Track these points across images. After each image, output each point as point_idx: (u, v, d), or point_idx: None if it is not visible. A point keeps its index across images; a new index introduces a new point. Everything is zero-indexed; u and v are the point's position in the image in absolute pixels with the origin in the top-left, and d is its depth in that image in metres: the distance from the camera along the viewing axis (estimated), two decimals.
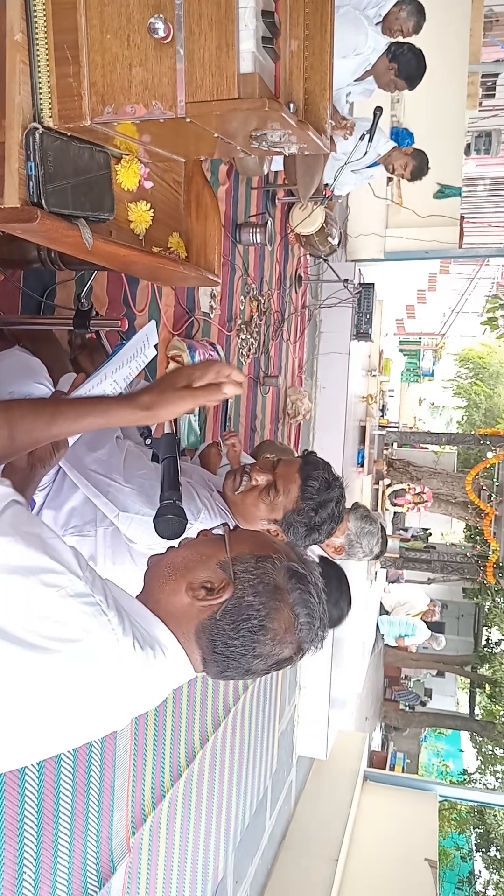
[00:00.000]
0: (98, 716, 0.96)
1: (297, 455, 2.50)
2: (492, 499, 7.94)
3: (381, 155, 4.34)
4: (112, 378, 1.24)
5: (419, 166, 4.37)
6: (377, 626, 10.51)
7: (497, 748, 16.49)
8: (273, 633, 1.02)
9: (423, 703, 18.38)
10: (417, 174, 4.40)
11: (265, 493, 1.75)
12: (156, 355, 1.20)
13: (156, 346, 1.32)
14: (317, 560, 1.14)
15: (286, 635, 1.03)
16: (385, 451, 8.78)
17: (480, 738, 16.97)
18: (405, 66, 3.72)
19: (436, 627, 11.94)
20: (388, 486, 8.84)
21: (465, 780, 17.35)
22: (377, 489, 8.56)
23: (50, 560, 0.88)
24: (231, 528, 1.13)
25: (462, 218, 7.26)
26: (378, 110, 3.61)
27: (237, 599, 1.01)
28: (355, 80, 3.90)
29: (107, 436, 1.80)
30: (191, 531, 1.37)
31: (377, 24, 3.73)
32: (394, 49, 3.73)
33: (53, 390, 1.67)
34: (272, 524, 1.76)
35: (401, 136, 5.02)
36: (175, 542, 1.20)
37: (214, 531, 1.13)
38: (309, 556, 1.12)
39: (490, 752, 17.03)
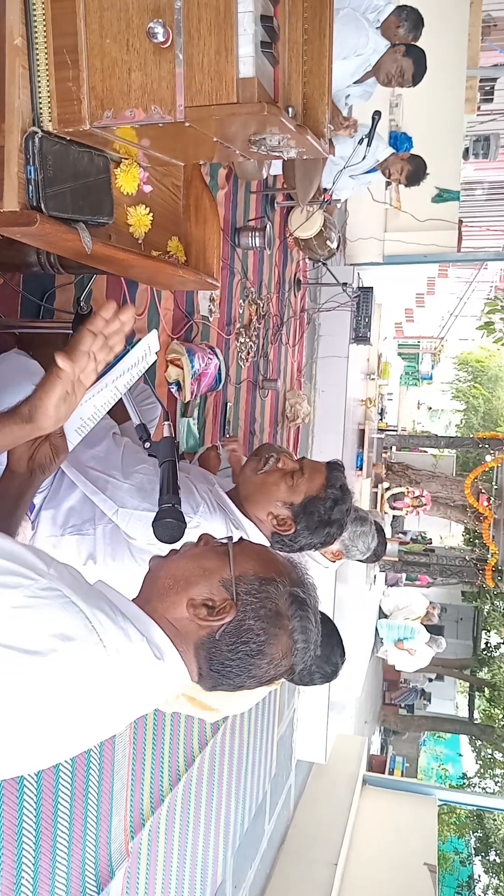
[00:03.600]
0: (93, 716, 0.94)
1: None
2: (490, 502, 7.94)
3: (380, 161, 4.35)
4: (113, 385, 1.25)
5: (414, 171, 4.37)
6: (376, 629, 10.49)
7: (496, 752, 16.46)
8: (271, 657, 1.02)
9: (424, 705, 18.36)
10: (413, 179, 4.41)
11: (289, 476, 1.78)
12: (155, 360, 1.20)
13: (156, 353, 1.33)
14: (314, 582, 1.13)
15: (283, 660, 1.03)
16: (384, 455, 8.78)
17: (479, 742, 16.95)
18: (416, 58, 3.70)
19: (435, 630, 11.91)
20: (387, 489, 8.83)
21: (464, 784, 17.32)
22: (376, 493, 8.56)
23: (8, 562, 0.88)
24: (235, 538, 1.12)
25: (460, 222, 7.27)
26: (377, 114, 3.61)
27: (238, 622, 1.00)
28: (355, 82, 3.90)
29: (103, 432, 1.80)
30: (191, 524, 1.37)
31: (377, 28, 3.73)
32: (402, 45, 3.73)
33: None
34: (286, 508, 1.76)
35: (399, 140, 5.02)
36: (174, 546, 1.19)
37: (218, 542, 1.12)
38: (307, 576, 1.11)
39: (489, 756, 16.99)
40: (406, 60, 3.72)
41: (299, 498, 1.76)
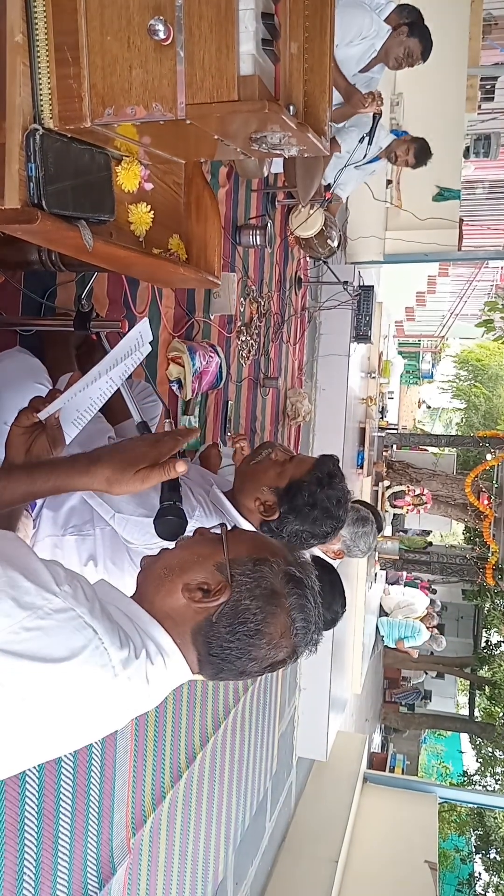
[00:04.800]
0: (89, 724, 0.96)
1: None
2: (491, 500, 7.94)
3: (383, 148, 4.36)
4: (107, 375, 1.25)
5: (421, 148, 4.39)
6: (377, 627, 10.51)
7: (497, 750, 16.47)
8: (269, 637, 1.02)
9: (425, 704, 18.36)
10: (421, 157, 4.42)
11: (279, 465, 1.82)
12: (151, 351, 1.20)
13: (151, 344, 1.32)
14: (311, 561, 1.14)
15: (282, 640, 1.04)
16: (385, 453, 8.78)
17: (480, 740, 16.96)
18: (421, 36, 3.70)
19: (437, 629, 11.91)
20: (388, 487, 8.83)
21: (464, 781, 17.33)
22: (377, 491, 8.56)
23: (24, 580, 0.88)
24: (229, 528, 1.13)
25: (461, 221, 7.27)
26: (377, 113, 3.62)
27: (234, 603, 1.01)
28: (360, 70, 3.89)
29: (99, 436, 1.81)
30: (188, 527, 1.38)
31: None
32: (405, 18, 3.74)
33: (51, 388, 1.68)
34: (272, 493, 1.78)
35: (399, 138, 5.03)
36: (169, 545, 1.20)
37: (212, 531, 1.13)
38: (304, 558, 1.12)
39: (490, 754, 17.01)
40: (411, 40, 3.73)
41: (284, 482, 1.78)
